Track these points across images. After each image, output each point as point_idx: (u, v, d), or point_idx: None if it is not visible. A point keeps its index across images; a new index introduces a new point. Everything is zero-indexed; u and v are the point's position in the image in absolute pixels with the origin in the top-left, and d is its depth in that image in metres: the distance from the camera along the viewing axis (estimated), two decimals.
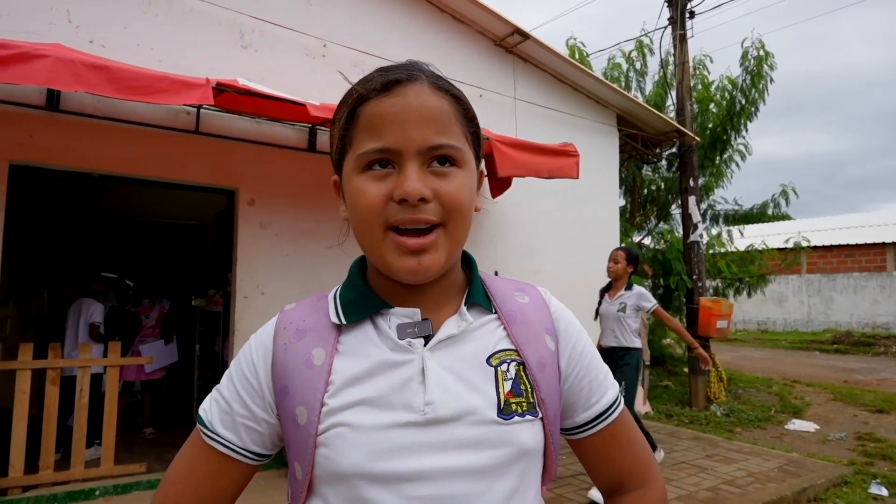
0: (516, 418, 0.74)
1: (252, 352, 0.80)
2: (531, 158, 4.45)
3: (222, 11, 4.42)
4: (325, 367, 0.74)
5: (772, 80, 8.70)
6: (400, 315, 0.77)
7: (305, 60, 4.83)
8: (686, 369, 8.14)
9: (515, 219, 5.99)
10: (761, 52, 8.64)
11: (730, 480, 4.44)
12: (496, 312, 0.81)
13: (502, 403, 0.74)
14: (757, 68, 8.65)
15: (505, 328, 0.80)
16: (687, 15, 8.15)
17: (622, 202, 9.54)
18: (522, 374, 0.77)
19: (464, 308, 0.79)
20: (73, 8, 3.87)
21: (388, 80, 0.73)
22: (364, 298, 0.79)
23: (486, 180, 0.81)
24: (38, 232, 6.93)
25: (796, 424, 6.75)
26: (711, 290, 8.79)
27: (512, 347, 0.79)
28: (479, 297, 0.81)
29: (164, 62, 4.07)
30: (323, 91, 4.73)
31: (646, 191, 9.98)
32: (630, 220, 9.57)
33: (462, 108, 0.76)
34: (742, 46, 8.81)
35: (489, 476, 0.72)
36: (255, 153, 4.58)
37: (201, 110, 4.28)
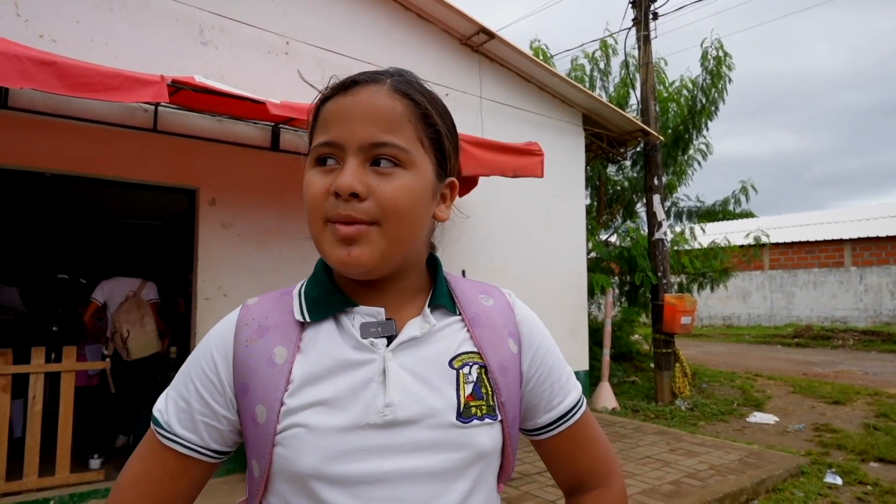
0: (475, 421, 0.74)
1: (212, 347, 0.78)
2: (495, 157, 4.46)
3: (181, 7, 4.32)
4: (287, 365, 0.74)
5: (730, 80, 8.90)
6: (364, 314, 0.77)
7: (268, 58, 4.76)
8: (652, 365, 8.27)
9: (482, 217, 6.00)
10: (720, 53, 8.84)
11: (692, 473, 4.53)
12: (460, 314, 0.82)
13: (462, 406, 0.74)
14: (716, 68, 8.84)
15: (468, 330, 0.80)
16: (651, 16, 8.28)
17: (588, 201, 9.66)
18: (484, 377, 0.77)
19: (427, 310, 0.79)
20: (22, 1, 3.74)
21: (347, 81, 0.75)
22: (329, 296, 0.79)
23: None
24: None
25: (757, 417, 6.93)
26: (676, 286, 8.96)
27: (475, 350, 0.79)
28: (443, 299, 0.81)
29: (119, 58, 3.96)
30: (285, 89, 4.67)
31: (611, 189, 10.12)
32: (596, 218, 9.69)
33: (420, 111, 0.75)
34: (702, 47, 8.99)
35: (446, 478, 0.72)
36: (216, 152, 4.49)
37: (159, 108, 4.18)
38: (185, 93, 3.71)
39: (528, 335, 0.84)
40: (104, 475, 4.09)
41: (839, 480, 4.65)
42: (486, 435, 0.75)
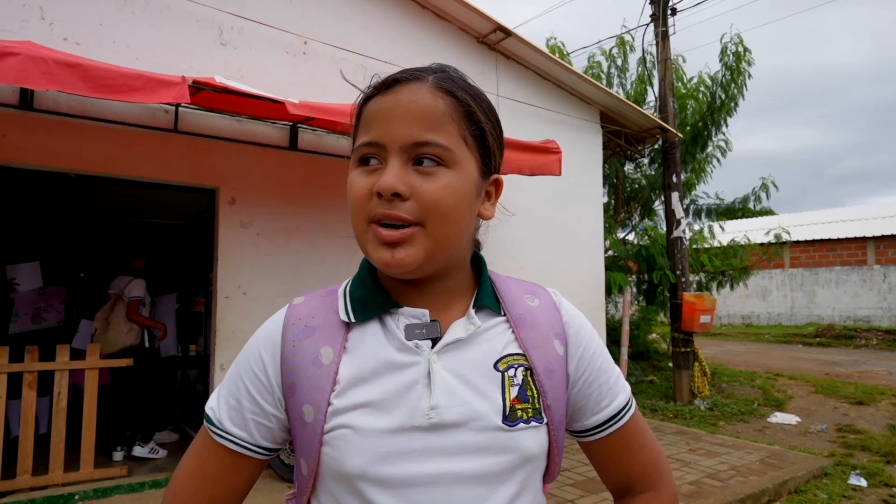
0: (521, 425, 0.74)
1: (260, 346, 0.79)
2: (512, 156, 4.44)
3: (200, 8, 4.37)
4: (333, 366, 0.74)
5: (750, 75, 8.78)
6: (409, 315, 0.77)
7: (286, 58, 4.79)
8: (670, 364, 8.20)
9: (499, 216, 5.94)
10: (740, 48, 8.72)
11: (712, 474, 4.48)
12: (505, 315, 0.81)
13: (508, 410, 0.74)
14: (736, 63, 8.72)
15: (513, 332, 0.79)
16: (669, 12, 8.19)
17: (606, 199, 9.59)
18: (529, 379, 0.77)
19: (472, 311, 0.79)
20: (47, 5, 3.80)
21: (389, 79, 0.75)
22: (373, 296, 0.79)
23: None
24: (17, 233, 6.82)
25: (778, 417, 6.84)
26: (695, 285, 8.87)
27: (520, 352, 0.78)
28: (487, 300, 0.81)
29: (140, 60, 4.01)
30: (303, 89, 4.70)
31: (629, 187, 10.04)
32: (614, 216, 9.62)
33: (463, 108, 0.74)
34: (721, 42, 8.88)
35: (492, 481, 0.72)
36: (235, 152, 4.53)
37: (180, 109, 4.23)
38: (205, 93, 3.75)
39: (575, 336, 0.83)
40: (127, 471, 4.16)
41: (864, 482, 4.57)
42: (533, 438, 0.75)
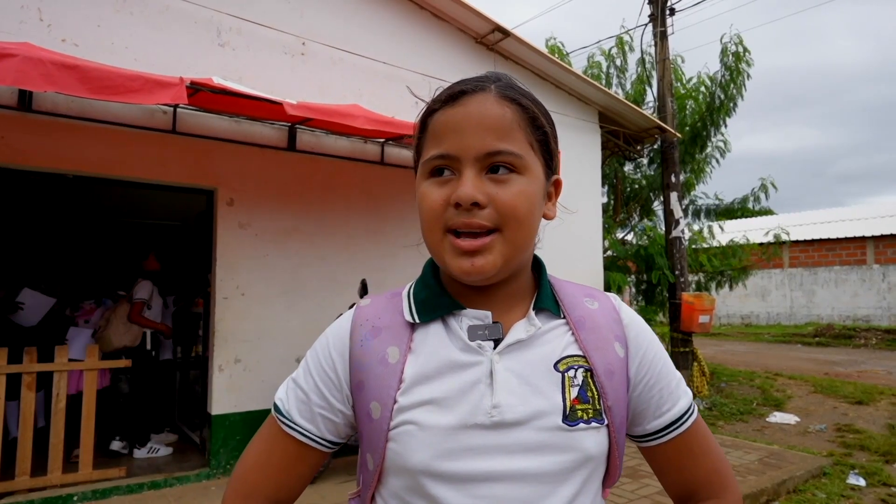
0: (581, 425, 0.75)
1: (330, 345, 0.82)
2: None
3: (199, 9, 4.37)
4: (399, 365, 0.77)
5: (749, 76, 8.79)
6: (471, 317, 0.79)
7: (284, 59, 4.79)
8: None
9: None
10: (739, 49, 8.73)
11: None
12: (565, 318, 0.82)
13: (568, 409, 0.75)
14: (735, 64, 8.73)
15: (573, 334, 0.81)
16: (667, 12, 8.20)
17: (605, 199, 9.60)
18: (590, 380, 0.78)
19: (532, 313, 0.80)
20: (45, 6, 3.80)
21: (454, 92, 0.77)
22: (437, 298, 0.81)
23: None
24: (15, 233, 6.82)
25: (777, 417, 6.84)
26: (693, 285, 8.87)
27: (580, 353, 0.79)
28: (547, 302, 0.82)
29: (139, 61, 4.01)
30: (302, 90, 4.70)
31: (628, 187, 10.04)
32: (613, 216, 9.62)
33: (528, 115, 0.76)
34: (721, 42, 8.89)
35: (553, 480, 0.73)
36: (233, 152, 4.53)
37: (178, 109, 4.23)
38: (203, 94, 3.75)
39: (636, 339, 0.84)
40: (126, 472, 4.16)
41: (862, 482, 4.58)
42: (593, 438, 0.75)
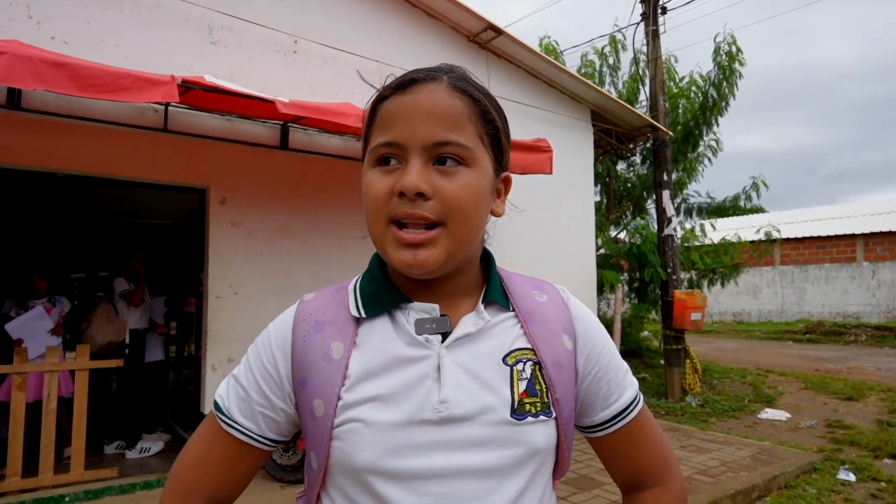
0: (529, 418, 0.74)
1: (271, 341, 0.80)
2: None
3: (190, 7, 4.34)
4: (343, 360, 0.75)
5: (741, 75, 8.83)
6: (419, 310, 0.77)
7: (276, 57, 4.77)
8: (662, 361, 8.24)
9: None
10: (733, 48, 8.76)
11: (703, 470, 4.51)
12: (514, 310, 0.81)
13: (516, 403, 0.74)
14: (728, 63, 8.77)
15: (522, 326, 0.80)
16: (659, 11, 8.23)
17: (598, 197, 9.62)
18: (538, 373, 0.77)
19: (481, 306, 0.79)
20: (34, 3, 3.76)
21: (404, 80, 0.75)
22: (384, 292, 0.79)
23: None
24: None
25: (769, 413, 6.89)
26: (686, 283, 8.91)
27: (528, 346, 0.79)
28: (496, 295, 0.81)
29: (130, 59, 3.99)
30: (294, 88, 4.69)
31: (621, 186, 10.07)
32: (606, 214, 9.65)
33: (479, 108, 0.75)
34: (714, 41, 8.93)
35: (500, 475, 0.73)
36: (226, 151, 4.51)
37: (169, 108, 4.20)
38: (194, 92, 3.73)
39: (584, 331, 0.84)
40: (118, 472, 4.14)
41: (852, 477, 4.62)
42: (541, 432, 0.75)
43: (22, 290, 5.05)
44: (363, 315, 0.78)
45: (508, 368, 0.76)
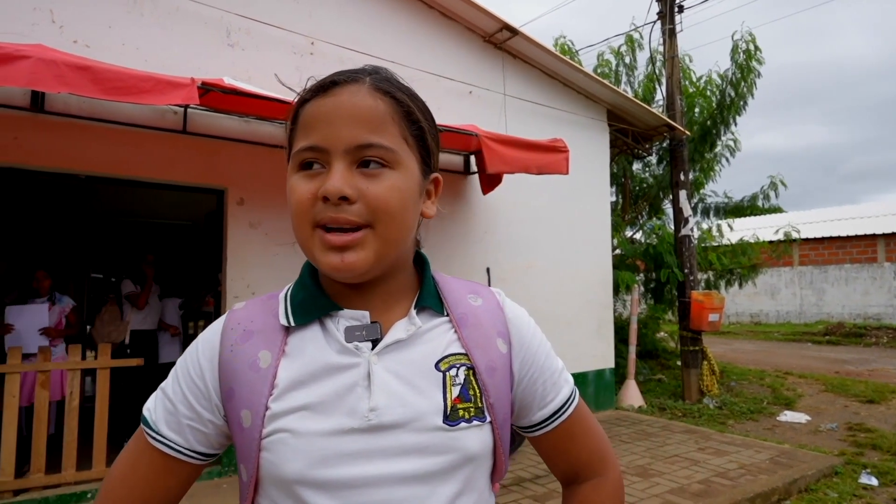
0: (462, 424, 0.74)
1: (199, 352, 0.78)
2: (520, 154, 4.44)
3: (208, 10, 4.39)
4: (271, 370, 0.74)
5: (759, 73, 8.73)
6: (349, 317, 0.76)
7: (293, 58, 4.81)
8: (679, 363, 8.17)
9: (507, 215, 5.99)
10: (751, 46, 8.67)
11: (722, 472, 4.47)
12: (448, 315, 0.81)
13: (449, 409, 0.73)
14: (746, 61, 8.67)
15: (456, 331, 0.79)
16: (676, 9, 8.16)
17: (614, 198, 9.57)
18: (472, 378, 0.77)
19: (413, 311, 0.78)
20: (57, 8, 3.83)
21: (325, 82, 0.74)
22: (314, 299, 0.78)
23: (444, 187, 0.76)
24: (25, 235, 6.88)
25: (788, 416, 6.80)
26: (703, 283, 8.83)
27: (462, 351, 0.78)
28: (430, 300, 0.80)
29: (149, 62, 4.04)
30: None
31: (637, 186, 10.01)
32: (622, 215, 9.59)
33: (403, 109, 0.74)
34: (732, 39, 8.84)
35: (432, 481, 0.72)
36: (243, 152, 4.56)
37: (188, 110, 4.25)
38: (213, 94, 3.77)
39: (518, 334, 0.84)
40: None
41: (875, 481, 4.54)
42: (475, 437, 0.74)
43: (24, 288, 5.16)
44: (292, 324, 0.76)
45: (441, 374, 0.75)
